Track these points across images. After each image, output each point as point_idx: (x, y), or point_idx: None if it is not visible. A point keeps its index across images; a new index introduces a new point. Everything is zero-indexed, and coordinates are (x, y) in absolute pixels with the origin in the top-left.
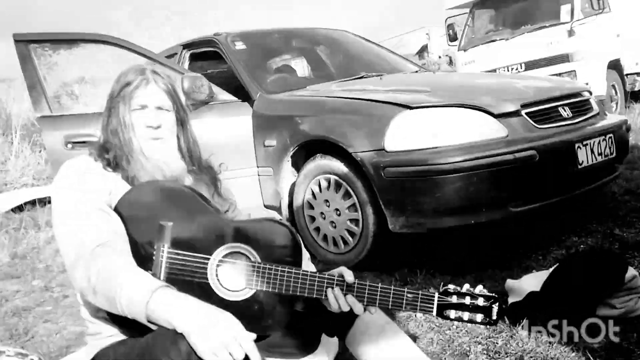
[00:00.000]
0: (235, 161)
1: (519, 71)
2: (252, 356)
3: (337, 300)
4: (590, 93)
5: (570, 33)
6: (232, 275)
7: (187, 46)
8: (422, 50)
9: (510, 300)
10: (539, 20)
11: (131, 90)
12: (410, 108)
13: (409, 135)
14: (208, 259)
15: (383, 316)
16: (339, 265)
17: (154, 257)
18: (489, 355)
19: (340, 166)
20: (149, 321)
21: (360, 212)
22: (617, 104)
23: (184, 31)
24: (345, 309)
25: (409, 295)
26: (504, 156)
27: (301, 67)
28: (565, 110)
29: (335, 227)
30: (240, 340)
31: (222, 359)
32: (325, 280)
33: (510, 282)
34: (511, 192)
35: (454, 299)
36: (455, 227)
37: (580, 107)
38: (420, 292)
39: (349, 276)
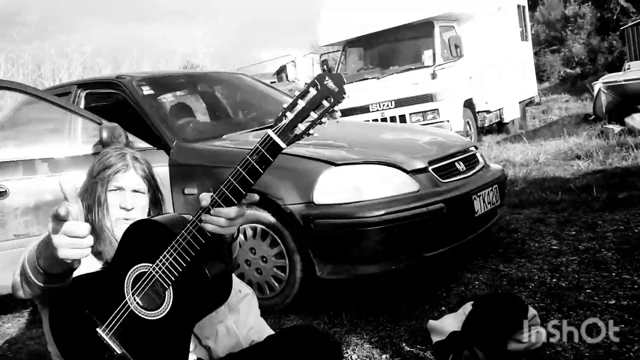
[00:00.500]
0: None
1: (389, 107)
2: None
3: (212, 223)
4: (476, 148)
5: (433, 76)
6: (148, 295)
7: (82, 85)
8: (281, 71)
9: (435, 339)
10: (404, 62)
11: (110, 173)
12: (335, 165)
13: (336, 189)
14: (126, 302)
15: None
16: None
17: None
18: None
19: (267, 216)
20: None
21: (287, 260)
22: (471, 137)
23: None
24: (223, 222)
25: (253, 157)
26: (418, 209)
27: (201, 108)
28: (460, 165)
29: (261, 273)
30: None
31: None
32: (191, 225)
33: (432, 323)
34: (424, 240)
35: (290, 115)
36: (377, 273)
37: (471, 161)
38: (257, 144)
39: (204, 196)
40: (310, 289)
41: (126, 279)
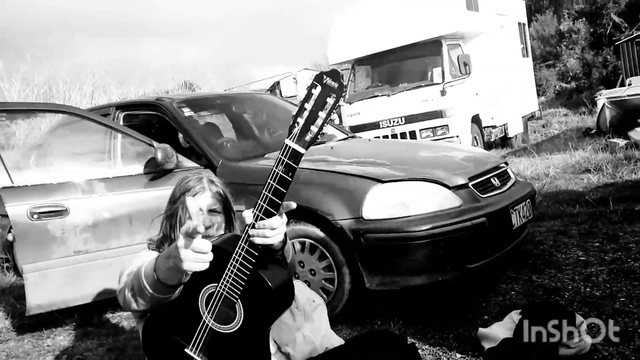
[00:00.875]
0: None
1: (399, 124)
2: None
3: (259, 236)
4: (507, 164)
5: (443, 93)
6: (221, 311)
7: (120, 107)
8: (274, 88)
9: (487, 346)
10: (412, 79)
11: (189, 196)
12: (382, 182)
13: (384, 205)
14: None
15: None
16: None
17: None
18: None
19: (316, 231)
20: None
21: (336, 272)
22: None
23: None
24: (268, 233)
25: (279, 168)
26: (462, 223)
27: (233, 128)
28: (495, 181)
29: (310, 286)
30: (199, 248)
31: (198, 265)
32: (242, 235)
33: (482, 330)
34: (468, 253)
35: (301, 121)
36: (424, 284)
37: (504, 176)
38: (279, 155)
39: (246, 213)
40: (357, 301)
41: (199, 300)
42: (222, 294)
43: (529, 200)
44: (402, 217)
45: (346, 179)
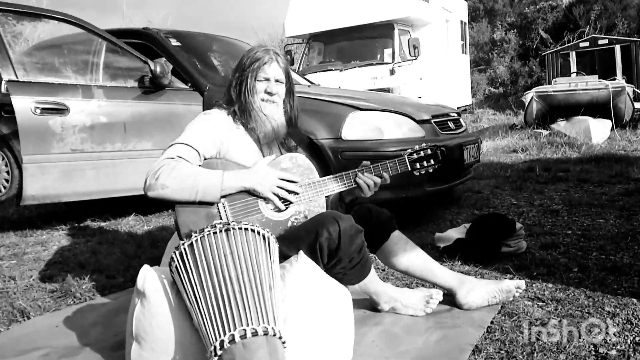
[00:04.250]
0: None
1: None
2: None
3: (364, 181)
4: (460, 115)
5: (392, 72)
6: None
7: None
8: None
9: (442, 245)
10: (364, 58)
11: (258, 65)
12: (360, 109)
13: (361, 128)
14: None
15: (404, 237)
16: None
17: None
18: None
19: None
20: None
21: None
22: None
23: None
24: (371, 183)
25: (392, 162)
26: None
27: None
28: (451, 124)
29: None
30: (280, 183)
31: (277, 192)
32: (350, 173)
33: (438, 234)
34: (427, 176)
35: (415, 156)
36: (390, 199)
37: (457, 122)
38: (404, 155)
39: (366, 162)
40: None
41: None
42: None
43: (477, 143)
44: (376, 139)
45: (328, 105)
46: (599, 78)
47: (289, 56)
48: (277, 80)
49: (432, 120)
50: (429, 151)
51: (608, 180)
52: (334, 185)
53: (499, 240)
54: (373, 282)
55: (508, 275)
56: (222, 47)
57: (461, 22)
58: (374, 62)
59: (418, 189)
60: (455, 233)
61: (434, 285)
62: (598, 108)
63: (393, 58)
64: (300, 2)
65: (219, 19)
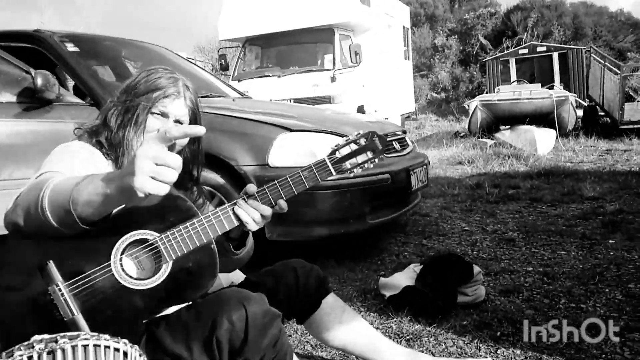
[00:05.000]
0: None
1: None
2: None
3: (247, 213)
4: (405, 133)
5: (333, 79)
6: (143, 263)
7: None
8: None
9: (388, 294)
10: (303, 64)
11: (158, 96)
12: (291, 130)
13: (291, 153)
14: (109, 265)
15: (340, 302)
16: None
17: (54, 301)
18: (390, 336)
19: (215, 177)
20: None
21: None
22: None
23: None
24: (257, 217)
25: (304, 172)
26: (369, 177)
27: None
28: (396, 144)
29: None
30: (164, 160)
31: (154, 185)
32: (227, 207)
33: (382, 280)
34: (370, 207)
35: (342, 152)
36: (326, 236)
37: (403, 142)
38: (311, 164)
39: (251, 187)
40: (258, 251)
41: (119, 241)
42: (155, 247)
43: (425, 166)
44: None
45: (253, 125)
46: (539, 85)
47: (222, 61)
48: (177, 121)
49: None
50: (362, 141)
51: (561, 199)
52: (211, 230)
53: (454, 288)
54: None
55: (467, 337)
56: (135, 53)
57: (403, 27)
58: (314, 69)
59: (359, 222)
60: (403, 278)
61: None
62: (542, 117)
63: (334, 64)
64: (235, 2)
65: (151, 19)
